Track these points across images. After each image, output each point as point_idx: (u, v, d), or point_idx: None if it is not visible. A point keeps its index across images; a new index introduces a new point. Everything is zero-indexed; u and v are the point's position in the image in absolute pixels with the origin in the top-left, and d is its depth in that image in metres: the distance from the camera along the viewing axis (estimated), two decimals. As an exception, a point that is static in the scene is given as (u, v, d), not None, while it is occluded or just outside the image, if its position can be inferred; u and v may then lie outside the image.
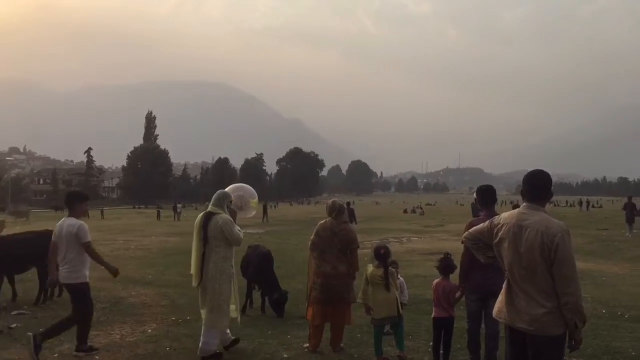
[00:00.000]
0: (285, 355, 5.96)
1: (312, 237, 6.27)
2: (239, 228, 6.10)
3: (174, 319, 7.80)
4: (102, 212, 56.53)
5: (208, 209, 6.13)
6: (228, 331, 6.30)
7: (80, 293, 6.18)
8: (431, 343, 6.09)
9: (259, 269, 8.47)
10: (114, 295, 9.63)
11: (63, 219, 6.45)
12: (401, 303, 5.95)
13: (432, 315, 5.69)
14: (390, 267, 5.82)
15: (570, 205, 70.31)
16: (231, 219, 6.09)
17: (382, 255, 5.80)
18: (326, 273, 6.07)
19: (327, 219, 6.26)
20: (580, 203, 67.26)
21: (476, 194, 5.77)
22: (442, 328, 5.58)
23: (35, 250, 8.82)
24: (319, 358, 5.92)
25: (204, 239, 5.95)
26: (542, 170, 3.68)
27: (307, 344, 6.26)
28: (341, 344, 6.23)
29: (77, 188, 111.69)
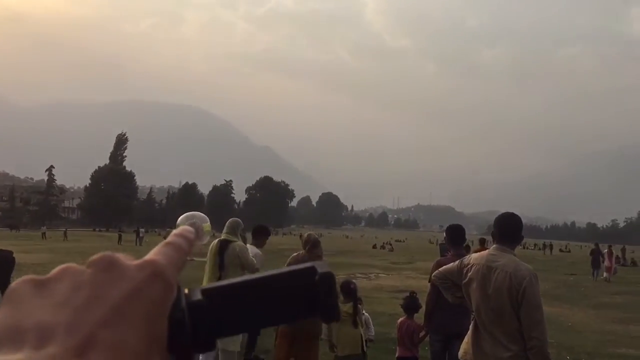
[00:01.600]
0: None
1: None
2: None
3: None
4: (65, 233, 55.12)
5: (222, 237, 6.36)
6: None
7: None
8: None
9: None
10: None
11: None
12: (367, 339, 5.95)
13: (396, 355, 5.70)
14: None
15: (537, 249, 72.16)
16: (246, 248, 6.37)
17: (351, 290, 5.82)
18: None
19: (301, 252, 6.25)
20: (544, 246, 70.02)
21: (445, 233, 5.85)
22: None
23: None
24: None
25: (220, 266, 6.14)
26: (513, 214, 3.77)
27: None
28: None
29: (35, 207, 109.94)
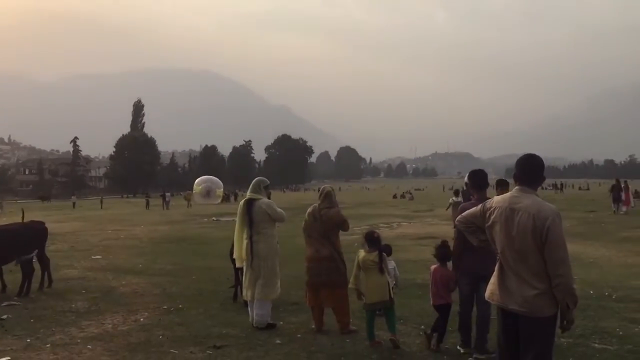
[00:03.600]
0: (278, 341, 5.99)
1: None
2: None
3: (165, 307, 7.80)
4: (101, 201, 56.80)
5: (247, 196, 6.74)
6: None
7: None
8: (422, 327, 6.18)
9: None
10: (105, 285, 9.60)
11: None
12: (392, 286, 6.01)
13: (431, 303, 5.74)
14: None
15: (555, 189, 72.19)
16: (272, 201, 6.74)
17: (375, 239, 5.85)
18: (310, 257, 6.39)
19: (316, 204, 6.53)
20: (555, 186, 71.68)
21: (467, 178, 5.80)
22: (439, 314, 5.65)
23: (20, 241, 8.81)
24: (311, 342, 5.95)
25: (249, 223, 6.55)
26: (534, 155, 3.71)
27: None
28: (352, 327, 6.31)
29: (64, 178, 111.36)
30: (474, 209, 3.85)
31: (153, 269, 11.61)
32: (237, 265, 6.94)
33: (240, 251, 6.67)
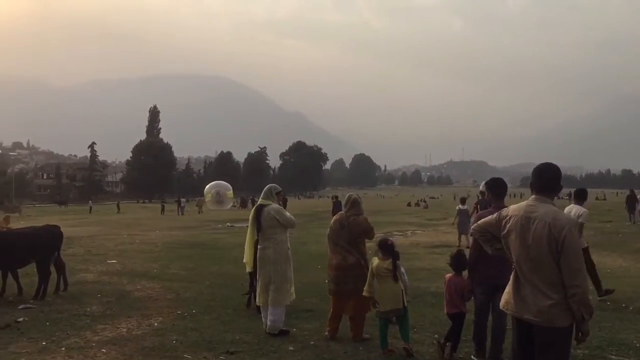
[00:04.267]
0: (290, 348, 5.98)
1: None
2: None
3: (179, 312, 7.83)
4: (118, 205, 57.50)
5: (259, 202, 6.88)
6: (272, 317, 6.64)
7: None
8: (436, 336, 6.14)
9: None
10: (119, 290, 9.66)
11: None
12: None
13: (445, 311, 5.71)
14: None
15: (560, 198, 71.48)
16: (281, 207, 6.83)
17: (389, 247, 5.83)
18: (337, 265, 6.31)
19: (342, 212, 6.54)
20: (570, 195, 68.85)
21: (486, 187, 5.77)
22: (453, 323, 5.62)
23: (37, 244, 8.92)
24: (324, 349, 5.93)
25: (258, 229, 6.67)
26: (551, 164, 3.69)
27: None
28: (365, 335, 6.31)
29: (81, 183, 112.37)
30: (489, 217, 3.83)
31: (167, 274, 11.66)
32: (247, 270, 7.03)
33: (249, 256, 6.81)
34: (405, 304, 5.76)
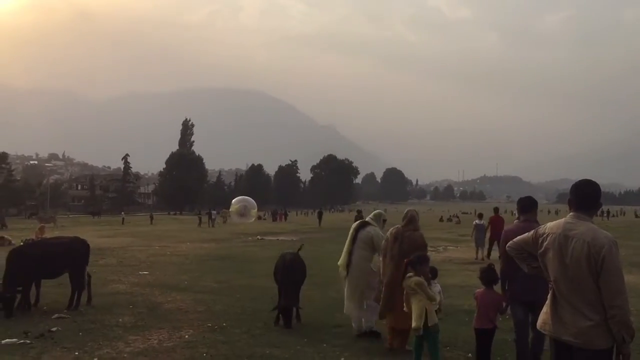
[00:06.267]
0: (321, 364, 5.96)
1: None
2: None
3: (210, 325, 7.88)
4: (151, 217, 58.03)
5: (366, 219, 7.52)
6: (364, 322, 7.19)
7: None
8: (470, 355, 6.04)
9: (284, 275, 8.19)
10: (151, 301, 9.78)
11: None
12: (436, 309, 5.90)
13: (475, 326, 5.61)
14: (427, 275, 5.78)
15: (611, 215, 69.67)
16: (381, 233, 7.18)
17: (422, 262, 5.75)
18: (387, 280, 6.44)
19: (398, 226, 6.75)
20: (602, 213, 69.47)
21: (517, 205, 5.80)
22: (484, 338, 5.52)
23: (69, 255, 9.10)
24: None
25: (354, 240, 7.20)
26: (590, 180, 3.62)
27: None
28: (408, 347, 6.30)
29: (114, 194, 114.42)
30: (525, 234, 3.76)
31: (198, 286, 11.76)
32: (341, 274, 7.41)
33: (343, 262, 7.27)
34: (431, 323, 5.60)
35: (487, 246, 18.39)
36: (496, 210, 19.43)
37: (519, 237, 3.82)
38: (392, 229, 6.76)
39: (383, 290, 6.50)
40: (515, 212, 6.09)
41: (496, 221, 17.88)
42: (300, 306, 8.09)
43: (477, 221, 19.31)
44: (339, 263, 7.42)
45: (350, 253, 7.23)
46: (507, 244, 3.98)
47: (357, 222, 7.50)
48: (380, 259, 6.82)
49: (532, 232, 3.71)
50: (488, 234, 18.28)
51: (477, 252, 18.34)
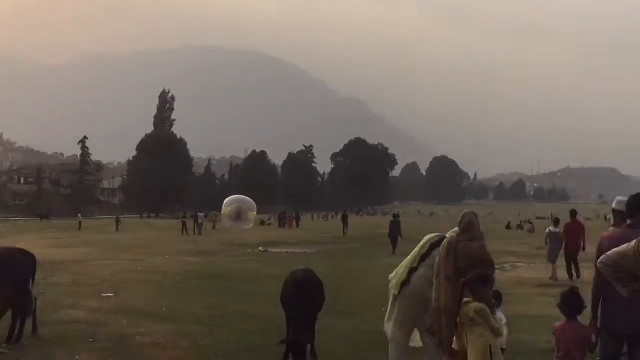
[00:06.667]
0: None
1: None
2: None
3: (196, 366, 7.93)
4: (117, 221, 54.64)
5: (447, 235, 7.07)
6: None
7: None
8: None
9: (295, 299, 8.10)
10: (117, 332, 9.85)
11: None
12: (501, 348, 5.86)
13: None
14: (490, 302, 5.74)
15: None
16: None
17: (484, 283, 5.66)
18: (442, 308, 6.36)
19: (454, 234, 6.67)
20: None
21: (624, 205, 5.66)
22: None
23: (10, 269, 9.05)
24: None
25: (423, 258, 7.09)
26: None
27: None
28: None
29: (68, 190, 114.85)
30: (625, 246, 3.70)
31: (180, 314, 11.83)
32: (393, 292, 7.34)
33: (399, 277, 7.24)
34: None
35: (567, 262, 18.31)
36: (573, 213, 19.54)
37: (615, 250, 3.76)
38: (445, 240, 6.69)
39: (437, 318, 6.47)
40: (610, 216, 5.98)
41: (573, 228, 17.78)
42: (315, 342, 8.09)
43: (551, 228, 19.35)
44: (390, 277, 7.39)
45: (412, 270, 7.16)
46: (600, 258, 3.92)
47: (434, 235, 7.31)
48: (434, 278, 6.72)
49: (633, 242, 3.64)
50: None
51: (553, 271, 18.30)
